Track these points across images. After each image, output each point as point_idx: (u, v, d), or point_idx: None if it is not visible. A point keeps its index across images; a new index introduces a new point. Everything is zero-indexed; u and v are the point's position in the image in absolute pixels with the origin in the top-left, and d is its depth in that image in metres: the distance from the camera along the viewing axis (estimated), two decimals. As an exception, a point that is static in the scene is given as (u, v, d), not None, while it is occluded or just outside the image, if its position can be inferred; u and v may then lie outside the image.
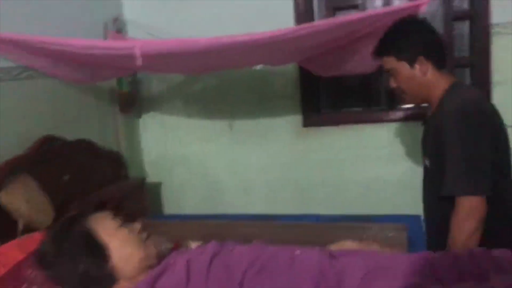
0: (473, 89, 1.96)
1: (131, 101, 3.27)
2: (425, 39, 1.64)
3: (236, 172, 3.38)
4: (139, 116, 3.49)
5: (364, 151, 3.08)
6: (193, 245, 1.85)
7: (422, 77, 1.64)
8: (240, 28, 3.01)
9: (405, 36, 1.66)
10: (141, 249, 1.35)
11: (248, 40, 1.86)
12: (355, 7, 2.97)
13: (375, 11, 1.94)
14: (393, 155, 3.03)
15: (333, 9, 2.99)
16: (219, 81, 3.28)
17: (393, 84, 1.72)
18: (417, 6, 1.67)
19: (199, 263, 1.25)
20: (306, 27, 1.84)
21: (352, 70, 2.38)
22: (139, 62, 1.73)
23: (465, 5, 2.85)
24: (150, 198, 3.36)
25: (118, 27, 3.13)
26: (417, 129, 2.90)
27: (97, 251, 1.29)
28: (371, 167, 3.08)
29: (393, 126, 3.00)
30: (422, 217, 2.30)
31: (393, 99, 3.03)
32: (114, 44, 1.97)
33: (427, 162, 1.72)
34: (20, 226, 2.06)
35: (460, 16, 2.85)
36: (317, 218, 2.83)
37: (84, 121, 2.89)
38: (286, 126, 3.20)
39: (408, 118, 2.95)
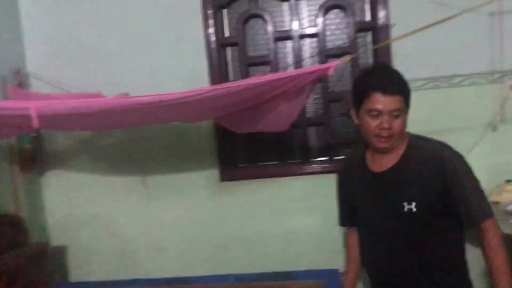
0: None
1: (33, 158, 3.01)
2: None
3: (149, 232, 3.20)
4: (42, 174, 3.22)
5: (281, 204, 3.07)
6: None
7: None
8: (150, 84, 2.98)
9: (406, 83, 1.73)
10: None
11: (159, 100, 1.79)
12: (267, 63, 3.03)
13: (287, 73, 1.97)
14: (309, 208, 3.05)
15: (246, 65, 3.03)
16: (130, 135, 3.14)
17: (387, 125, 1.65)
18: (326, 69, 1.71)
19: None
20: (220, 87, 1.81)
21: (265, 128, 2.39)
22: (35, 123, 1.58)
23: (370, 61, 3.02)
24: (53, 264, 3.06)
25: (19, 80, 2.92)
26: (331, 181, 2.99)
27: None
28: (289, 221, 3.07)
29: (308, 179, 3.03)
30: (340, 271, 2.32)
31: (307, 153, 3.09)
32: (7, 104, 1.80)
33: (410, 206, 1.67)
34: None
35: (365, 74, 3.00)
36: (236, 278, 2.72)
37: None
38: (203, 181, 3.11)
39: (323, 171, 3.00)
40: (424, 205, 1.67)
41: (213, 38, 2.97)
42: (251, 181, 3.08)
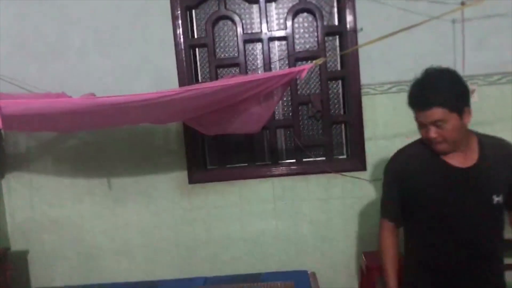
0: None
1: (-8, 159, 2.90)
2: (466, 89, 1.69)
3: (114, 235, 3.12)
4: (2, 177, 3.09)
5: (249, 206, 3.06)
6: None
7: (465, 126, 1.70)
8: (117, 84, 2.92)
9: (452, 87, 1.67)
10: None
11: (127, 101, 1.75)
12: (236, 65, 3.03)
13: (260, 76, 1.97)
14: (277, 210, 3.05)
15: (215, 67, 3.02)
16: (95, 136, 3.06)
17: (433, 134, 1.67)
18: (299, 72, 1.71)
19: None
20: (190, 88, 1.79)
21: (236, 130, 2.38)
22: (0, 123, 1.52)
23: (338, 67, 3.07)
24: (14, 270, 2.95)
25: (-23, 78, 2.80)
26: (299, 183, 3.02)
27: None
28: (257, 223, 3.07)
29: (276, 181, 3.04)
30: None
31: (276, 155, 3.10)
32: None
33: (498, 199, 1.74)
34: None
35: (333, 77, 3.05)
36: (204, 280, 2.70)
37: None
38: (171, 183, 3.07)
39: (291, 173, 3.02)
40: (506, 197, 1.75)
41: (181, 39, 2.94)
42: (219, 183, 3.06)
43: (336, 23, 3.03)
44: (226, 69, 3.10)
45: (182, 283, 2.66)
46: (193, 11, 3.08)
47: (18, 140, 3.10)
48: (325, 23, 3.00)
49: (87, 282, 2.96)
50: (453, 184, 1.77)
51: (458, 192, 1.77)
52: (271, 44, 3.04)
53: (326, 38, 3.02)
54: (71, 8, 2.97)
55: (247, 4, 3.07)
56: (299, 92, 3.06)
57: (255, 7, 3.05)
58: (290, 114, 3.08)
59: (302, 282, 2.52)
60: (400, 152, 1.94)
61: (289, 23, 2.98)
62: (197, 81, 3.09)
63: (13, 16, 2.99)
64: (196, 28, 3.10)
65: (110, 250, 3.13)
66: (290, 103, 3.07)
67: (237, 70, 3.06)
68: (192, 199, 3.08)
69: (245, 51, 3.02)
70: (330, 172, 2.97)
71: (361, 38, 2.86)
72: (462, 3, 2.68)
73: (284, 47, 3.06)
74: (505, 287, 1.85)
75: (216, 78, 3.02)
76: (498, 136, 1.87)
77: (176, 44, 2.94)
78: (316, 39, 3.03)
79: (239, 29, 2.99)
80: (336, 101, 3.12)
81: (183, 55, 2.95)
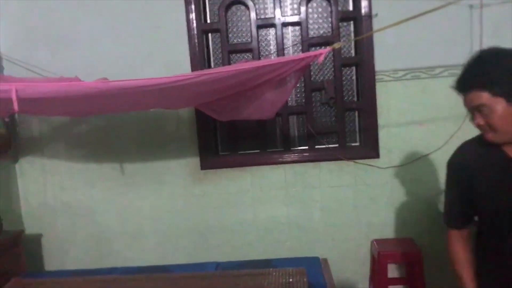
0: None
1: (7, 143, 2.92)
2: None
3: (126, 220, 3.15)
4: (16, 161, 3.12)
5: (261, 193, 3.06)
6: None
7: None
8: (129, 70, 2.91)
9: (501, 69, 1.45)
10: None
11: (140, 85, 1.74)
12: (249, 50, 3.01)
13: (276, 60, 1.94)
14: (289, 197, 3.05)
15: (228, 52, 2.99)
16: (108, 121, 3.07)
17: (480, 121, 1.49)
18: (316, 56, 1.69)
19: None
20: (203, 73, 1.78)
21: (250, 116, 2.36)
22: (15, 106, 1.52)
23: (352, 53, 3.03)
24: (28, 253, 2.99)
25: (-9, 63, 2.81)
26: (311, 170, 3.01)
27: None
28: (269, 209, 3.07)
29: (288, 167, 3.03)
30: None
31: (288, 142, 3.09)
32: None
33: None
34: None
35: (347, 63, 3.01)
36: (216, 265, 2.71)
37: None
38: (183, 169, 3.08)
39: (303, 160, 3.01)
40: None
41: (194, 24, 2.92)
42: (231, 169, 3.06)
43: (351, 8, 2.99)
44: (238, 55, 3.08)
45: (194, 268, 2.66)
46: (206, -4, 3.06)
47: (32, 125, 3.11)
48: (339, 8, 2.96)
49: (99, 266, 2.98)
50: None
51: None
52: (284, 30, 3.01)
53: (340, 24, 2.98)
54: (83, -7, 2.96)
55: (260, -12, 3.04)
56: (312, 79, 3.04)
57: (268, -8, 3.02)
58: (303, 100, 3.06)
59: (314, 269, 2.52)
60: (462, 148, 1.74)
61: (303, 8, 2.94)
62: (209, 66, 3.07)
63: (25, 2, 2.98)
64: (209, 13, 3.08)
65: (122, 234, 3.15)
66: (303, 90, 3.04)
67: (250, 55, 3.03)
68: (204, 185, 3.08)
69: (258, 36, 2.99)
70: (342, 159, 2.96)
71: (376, 24, 2.82)
72: (481, -12, 2.63)
73: (297, 33, 3.02)
74: None
75: (229, 64, 3.00)
76: None
77: (189, 29, 2.92)
78: (330, 24, 2.99)
79: (252, 14, 2.96)
80: (349, 87, 3.09)
81: (196, 41, 2.93)
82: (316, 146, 3.08)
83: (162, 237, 3.14)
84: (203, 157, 3.05)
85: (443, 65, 2.86)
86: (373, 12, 2.84)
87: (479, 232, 1.72)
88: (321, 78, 3.07)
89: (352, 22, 3.03)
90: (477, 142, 1.66)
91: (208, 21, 3.05)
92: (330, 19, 2.98)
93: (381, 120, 2.93)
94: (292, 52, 3.04)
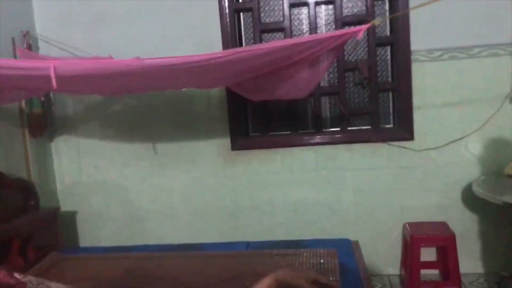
0: None
1: (43, 123, 2.98)
2: None
3: (158, 198, 3.19)
4: (51, 140, 3.19)
5: (292, 174, 3.05)
6: None
7: None
8: (161, 49, 2.91)
9: None
10: None
11: (173, 63, 1.74)
12: (281, 30, 2.97)
13: (313, 37, 1.91)
14: (320, 179, 3.03)
15: (259, 32, 2.96)
16: (140, 101, 3.10)
17: None
18: (354, 33, 1.65)
19: None
20: (238, 51, 1.75)
21: (284, 95, 2.33)
22: (53, 84, 1.54)
23: (387, 32, 2.95)
24: (63, 229, 3.07)
25: (28, 43, 2.86)
26: (343, 152, 2.98)
27: None
28: (299, 191, 3.06)
29: (319, 149, 3.00)
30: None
31: (320, 123, 3.05)
32: (25, 64, 1.75)
33: None
34: None
35: (382, 42, 2.94)
36: (247, 244, 2.73)
37: (-13, 145, 2.57)
38: (214, 149, 3.09)
39: (335, 141, 2.97)
40: None
41: (226, 3, 2.90)
42: (262, 150, 3.06)
43: (386, -15, 2.91)
44: (270, 34, 3.04)
45: (225, 246, 2.69)
46: (238, -26, 3.03)
47: (66, 105, 3.18)
48: (374, -15, 2.88)
49: (132, 243, 3.05)
50: None
51: None
52: (317, 8, 2.95)
53: (375, 2, 2.90)
54: (117, -27, 2.97)
55: (293, -33, 2.98)
56: (345, 58, 2.98)
57: (301, -30, 2.96)
58: (336, 81, 3.01)
59: (345, 250, 2.49)
60: None
61: (336, -14, 2.88)
62: (241, 46, 3.04)
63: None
64: (241, -8, 3.05)
65: (154, 213, 3.21)
66: (336, 70, 2.99)
67: (282, 35, 2.99)
68: (235, 165, 3.09)
69: (290, 15, 2.95)
70: (375, 142, 2.91)
71: (412, 2, 2.73)
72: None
73: (331, 12, 2.96)
74: None
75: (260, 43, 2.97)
76: None
77: (221, 8, 2.90)
78: (364, 2, 2.92)
79: (285, -7, 2.91)
80: (384, 68, 3.01)
81: (228, 20, 2.91)
82: (349, 128, 3.03)
83: (193, 216, 3.17)
84: (233, 138, 3.05)
85: (482, 45, 2.76)
86: (410, -10, 2.75)
87: None
88: (355, 58, 3.01)
89: (387, 0, 2.95)
90: None
91: (240, 0, 3.02)
92: (364, -3, 2.91)
93: (416, 102, 2.85)
94: (325, 31, 2.98)
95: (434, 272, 2.98)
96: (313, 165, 3.02)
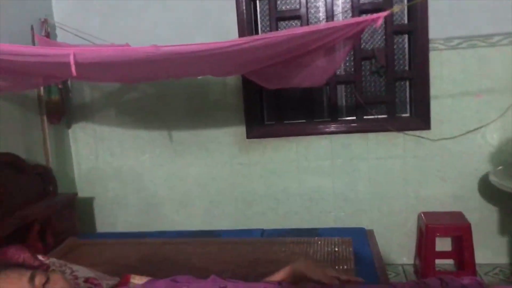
0: None
1: (61, 109, 3.01)
2: None
3: (174, 186, 3.22)
4: (69, 127, 3.24)
5: (307, 163, 3.05)
6: (139, 280, 1.65)
7: None
8: (178, 37, 2.92)
9: None
10: None
11: (190, 51, 1.74)
12: (297, 17, 2.95)
13: (331, 24, 1.89)
14: (335, 168, 3.02)
15: (276, 19, 2.95)
16: (156, 89, 3.12)
17: None
18: (373, 20, 1.63)
19: None
20: (255, 38, 1.75)
21: (300, 83, 2.33)
22: (73, 71, 1.56)
23: (405, 20, 2.91)
24: (81, 215, 3.12)
25: (46, 31, 2.88)
26: (359, 141, 2.97)
27: None
28: (314, 180, 3.06)
29: (335, 138, 3.00)
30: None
31: (335, 112, 3.04)
32: (45, 51, 1.76)
33: None
34: None
35: (399, 30, 2.90)
36: (261, 232, 2.75)
37: (7, 132, 2.61)
38: (229, 137, 3.10)
39: (350, 130, 2.96)
40: None
41: (242, -9, 2.88)
42: (277, 139, 3.06)
43: (405, -27, 2.86)
44: (286, 22, 3.02)
45: (240, 233, 2.71)
46: (255, -39, 3.01)
47: (84, 92, 3.21)
48: (392, -27, 2.84)
49: (148, 229, 3.09)
50: None
51: None
52: (334, -4, 2.93)
53: (393, -11, 2.86)
54: (133, -40, 2.97)
55: (310, -47, 2.95)
56: (362, 47, 2.95)
57: (318, -43, 2.93)
58: (352, 69, 2.98)
59: (360, 239, 2.50)
60: None
61: (354, -27, 2.84)
62: (257, 34, 3.03)
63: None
64: (257, -21, 3.03)
65: (169, 199, 3.24)
66: (352, 58, 2.96)
67: (298, 23, 2.97)
68: (250, 153, 3.10)
69: (307, 3, 2.92)
70: (391, 131, 2.89)
71: (431, -11, 2.70)
72: None
73: (348, -1, 2.93)
74: None
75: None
76: None
77: (237, -5, 2.89)
78: (382, -10, 2.88)
79: (302, -20, 2.89)
80: (401, 56, 2.98)
81: (244, 7, 2.89)
82: (364, 117, 3.01)
83: (209, 203, 3.20)
84: (249, 126, 3.06)
85: (502, 33, 2.70)
86: (428, -24, 2.71)
87: None
88: (372, 46, 2.98)
89: (405, -13, 2.91)
90: None
91: (256, -13, 3.01)
92: (382, -15, 2.87)
93: (433, 91, 2.82)
94: (342, 19, 2.95)
95: (449, 262, 2.97)
96: (328, 154, 3.02)
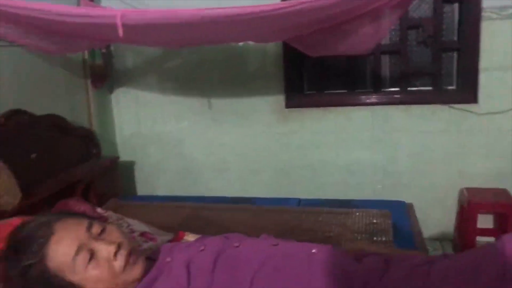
0: None
1: (104, 74, 3.07)
2: None
3: (212, 153, 3.26)
4: (111, 91, 3.29)
5: (346, 134, 3.01)
6: (192, 237, 1.68)
7: None
8: (219, 4, 2.89)
9: None
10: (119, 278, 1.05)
11: (236, 14, 1.72)
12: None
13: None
14: (374, 139, 2.97)
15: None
16: (197, 56, 3.12)
17: None
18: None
19: (201, 265, 1.06)
20: (298, 2, 1.70)
21: (347, 51, 2.26)
22: (120, 32, 1.56)
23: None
24: (122, 178, 3.21)
25: (91, -6, 2.91)
26: (401, 113, 2.89)
27: None
28: (353, 151, 3.02)
29: (376, 109, 2.93)
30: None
31: (378, 82, 2.96)
32: (92, 12, 1.78)
33: None
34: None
35: (450, -1, 2.78)
36: (298, 201, 2.75)
37: (53, 94, 2.69)
38: (267, 106, 3.09)
39: (393, 102, 2.89)
40: None
41: (287, -45, 2.80)
42: (317, 109, 3.02)
43: None
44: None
45: (276, 202, 2.72)
46: None
47: (126, 57, 3.24)
48: None
49: (187, 193, 3.15)
50: None
51: None
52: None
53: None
54: None
55: None
56: (408, 15, 2.84)
57: None
58: (398, 39, 2.88)
59: (398, 212, 2.46)
60: None
61: None
62: None
63: None
64: None
65: (207, 166, 3.28)
66: (398, 27, 2.86)
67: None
68: (288, 123, 3.08)
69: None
70: (436, 103, 2.80)
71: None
72: None
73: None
74: None
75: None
76: None
77: (281, -40, 2.82)
78: (434, -45, 2.74)
79: None
80: (449, 26, 2.85)
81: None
82: (408, 88, 2.93)
83: (246, 171, 3.22)
84: (288, 95, 3.03)
85: (562, 2, 2.55)
86: None
87: None
88: (419, 15, 2.86)
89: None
90: None
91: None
92: (434, -51, 2.73)
93: (482, 63, 2.70)
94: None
95: (490, 239, 2.90)
96: (369, 126, 2.96)
